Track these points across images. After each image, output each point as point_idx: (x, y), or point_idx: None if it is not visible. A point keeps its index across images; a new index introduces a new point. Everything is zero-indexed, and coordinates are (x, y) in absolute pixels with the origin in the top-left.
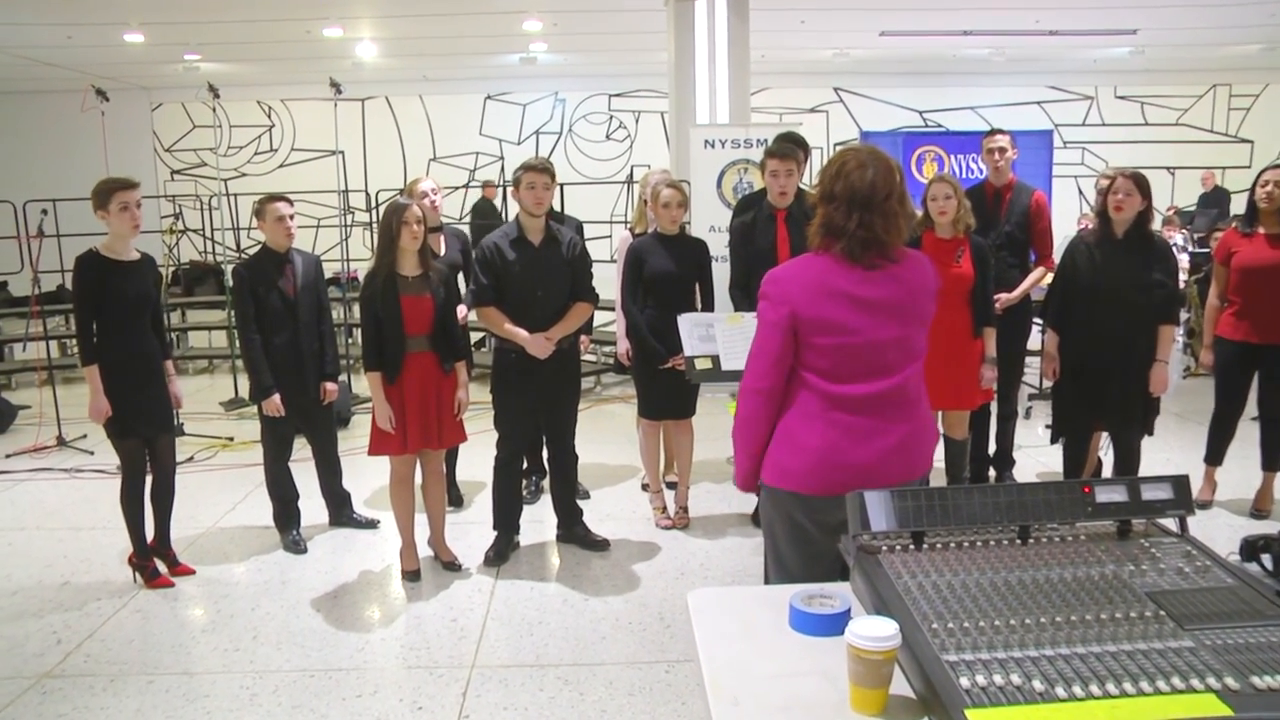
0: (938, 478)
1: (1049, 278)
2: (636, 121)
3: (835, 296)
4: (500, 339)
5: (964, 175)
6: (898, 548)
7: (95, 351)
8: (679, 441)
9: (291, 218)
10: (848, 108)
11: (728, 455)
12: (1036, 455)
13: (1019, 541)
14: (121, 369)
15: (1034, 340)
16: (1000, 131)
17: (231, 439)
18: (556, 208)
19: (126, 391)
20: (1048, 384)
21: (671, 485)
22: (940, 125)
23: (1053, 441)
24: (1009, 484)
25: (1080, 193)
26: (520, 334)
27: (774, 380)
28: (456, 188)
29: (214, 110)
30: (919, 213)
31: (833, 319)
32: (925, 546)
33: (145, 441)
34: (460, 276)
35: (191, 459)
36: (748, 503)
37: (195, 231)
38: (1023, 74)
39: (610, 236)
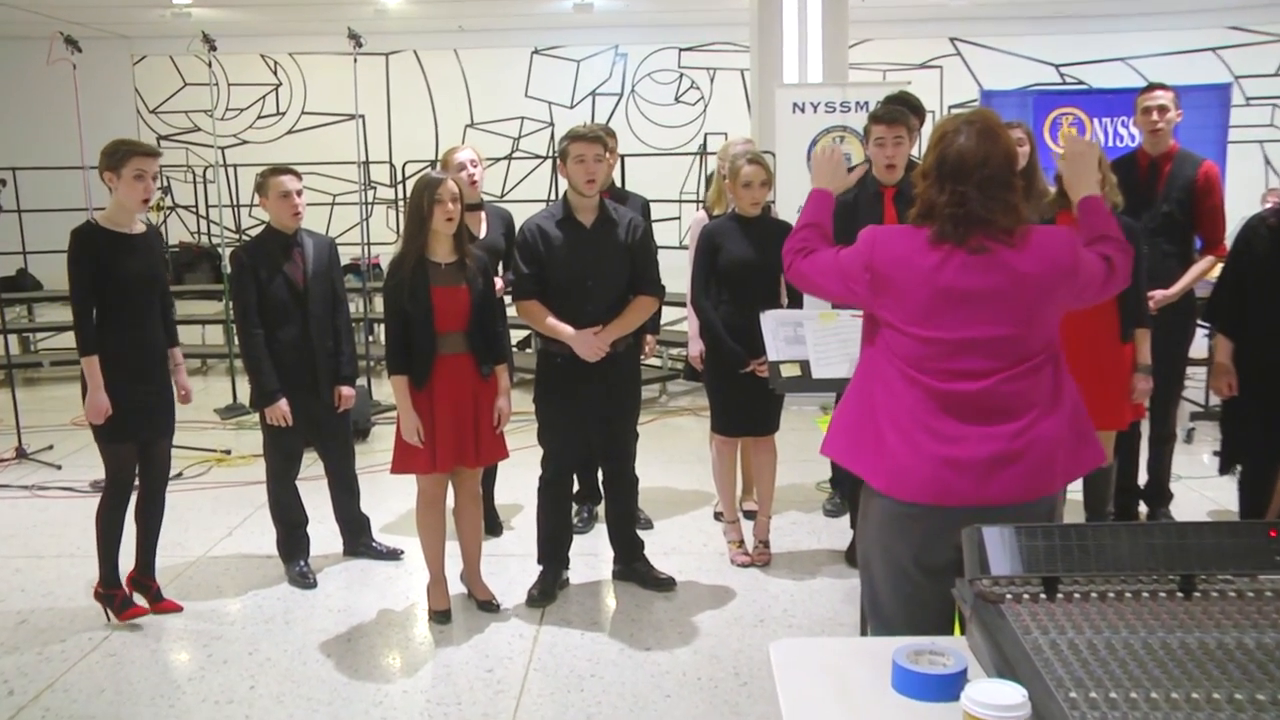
0: (1074, 512)
1: (1219, 269)
2: (711, 81)
3: (920, 278)
4: (546, 339)
5: (1111, 143)
6: (1026, 596)
7: (96, 340)
8: (759, 462)
9: (299, 193)
10: (966, 62)
11: (818, 480)
12: (1201, 488)
13: (1180, 595)
14: (123, 361)
15: (1197, 346)
16: (1160, 87)
17: (228, 452)
18: (617, 183)
19: (129, 387)
20: (1216, 400)
21: (750, 514)
22: (1082, 82)
23: (1223, 471)
24: (1166, 522)
25: (1267, 162)
26: (564, 331)
27: (819, 285)
28: (498, 159)
29: (209, 65)
30: (1052, 189)
31: (914, 304)
32: (1060, 596)
33: (140, 446)
34: (501, 264)
35: (180, 475)
36: (841, 538)
37: (186, 209)
38: (1193, 12)
39: (680, 218)
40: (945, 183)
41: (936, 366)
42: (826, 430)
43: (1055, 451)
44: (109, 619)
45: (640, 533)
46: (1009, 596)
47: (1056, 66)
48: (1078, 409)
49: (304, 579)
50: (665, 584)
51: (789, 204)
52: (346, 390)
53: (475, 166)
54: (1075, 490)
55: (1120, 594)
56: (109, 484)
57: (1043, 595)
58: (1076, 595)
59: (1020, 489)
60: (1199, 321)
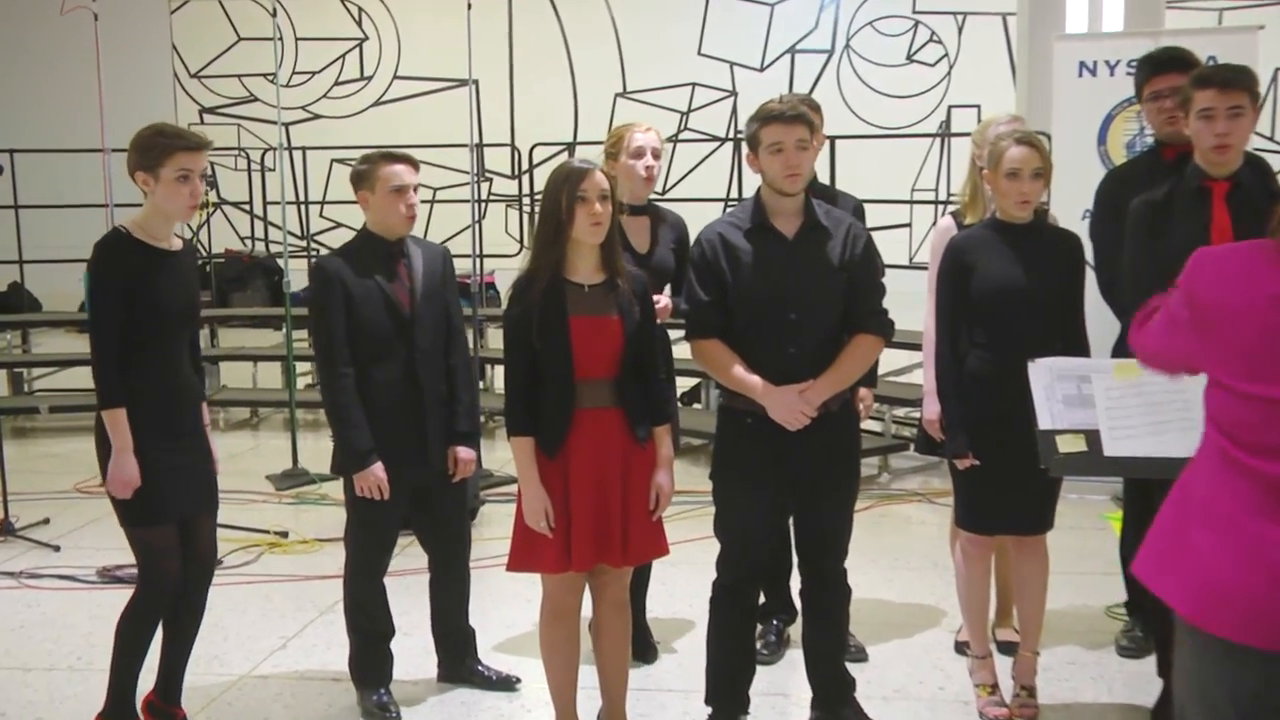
0: None
1: None
2: (959, 32)
3: (1252, 309)
4: (728, 391)
5: None
6: None
7: (124, 386)
8: (1024, 573)
9: (415, 189)
10: None
11: (1109, 603)
12: None
13: None
14: (156, 415)
15: None
16: None
17: (285, 535)
18: (821, 178)
19: (163, 447)
20: None
21: (1009, 647)
22: None
23: None
24: None
25: None
26: (756, 385)
27: (1158, 354)
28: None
29: (272, 14)
30: None
31: (1241, 348)
32: None
33: (179, 528)
34: (669, 290)
35: (220, 564)
36: (1142, 689)
37: (237, 205)
38: None
39: (911, 225)
40: None
41: (1268, 440)
42: (1144, 542)
43: None
44: None
45: (850, 666)
46: None
47: None
48: None
49: (384, 712)
50: None
51: (1071, 209)
52: (464, 453)
53: (657, 158)
54: None
55: None
56: (141, 583)
57: None
58: None
59: None
60: None
